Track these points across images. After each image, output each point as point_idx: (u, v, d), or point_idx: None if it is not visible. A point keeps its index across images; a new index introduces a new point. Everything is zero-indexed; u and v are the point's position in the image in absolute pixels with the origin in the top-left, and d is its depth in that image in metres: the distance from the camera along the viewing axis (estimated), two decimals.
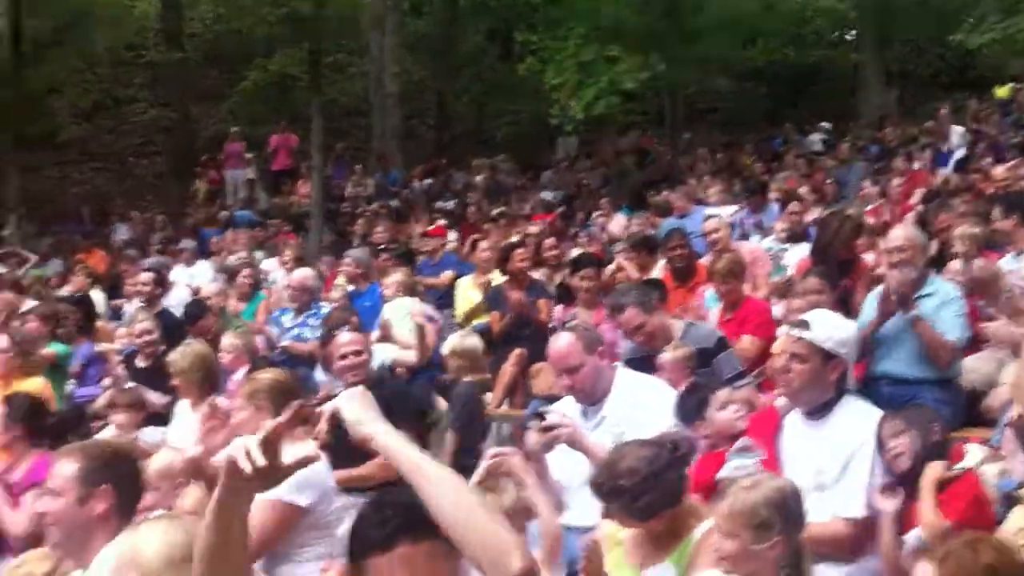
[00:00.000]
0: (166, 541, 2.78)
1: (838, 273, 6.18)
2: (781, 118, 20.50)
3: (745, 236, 10.02)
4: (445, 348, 7.11)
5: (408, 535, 2.21)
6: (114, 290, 11.14)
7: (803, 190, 11.77)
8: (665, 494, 3.35)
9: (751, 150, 17.90)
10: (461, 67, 23.19)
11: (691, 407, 4.53)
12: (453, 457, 6.18)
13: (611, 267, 8.33)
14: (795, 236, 9.13)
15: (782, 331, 6.28)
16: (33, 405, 5.75)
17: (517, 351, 7.63)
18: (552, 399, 5.47)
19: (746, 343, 6.40)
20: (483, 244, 9.85)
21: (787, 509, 3.09)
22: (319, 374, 7.46)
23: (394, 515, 2.25)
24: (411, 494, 2.32)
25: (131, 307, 9.45)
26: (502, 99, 22.41)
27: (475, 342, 6.91)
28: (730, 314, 6.74)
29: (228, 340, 7.23)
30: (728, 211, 10.50)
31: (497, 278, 8.87)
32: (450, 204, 15.80)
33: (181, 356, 6.20)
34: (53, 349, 8.12)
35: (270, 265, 11.44)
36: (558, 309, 8.03)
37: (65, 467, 3.31)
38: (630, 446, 3.50)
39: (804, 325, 4.08)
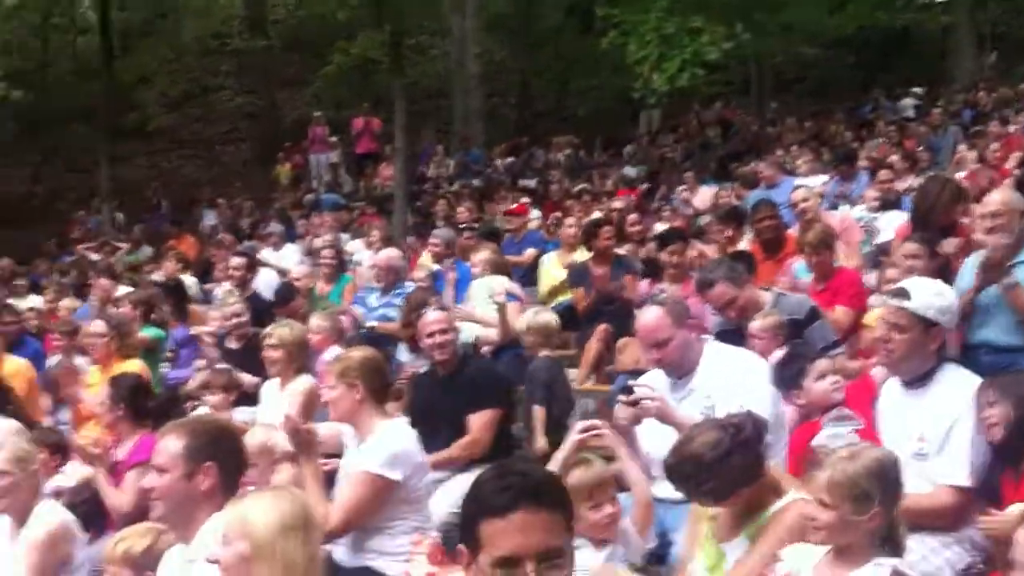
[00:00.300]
0: (276, 510, 2.83)
1: (939, 239, 5.99)
2: (871, 85, 20.00)
3: (835, 206, 9.80)
4: (519, 325, 7.10)
5: (528, 502, 2.22)
6: (204, 275, 11.33)
7: (894, 158, 11.46)
8: (729, 479, 3.31)
9: (840, 119, 17.51)
10: (541, 44, 23.07)
11: (789, 376, 4.43)
12: (545, 430, 6.17)
13: (692, 252, 8.21)
14: (887, 204, 8.90)
15: (875, 300, 6.16)
16: (136, 385, 5.88)
17: (602, 326, 7.58)
18: (638, 373, 5.41)
19: (839, 313, 6.25)
20: (568, 221, 9.80)
21: (886, 479, 3.02)
22: (402, 354, 7.50)
23: (516, 482, 2.26)
24: (532, 463, 2.31)
25: (221, 290, 9.60)
26: (583, 75, 22.24)
27: (548, 317, 6.86)
28: (822, 285, 6.59)
29: (315, 321, 7.30)
30: (817, 181, 10.27)
31: (582, 255, 8.81)
32: (532, 182, 15.75)
33: (290, 329, 6.31)
34: (148, 333, 8.30)
35: (356, 247, 11.52)
36: (644, 284, 7.95)
37: (171, 444, 3.40)
38: (697, 429, 3.47)
39: (904, 294, 3.96)
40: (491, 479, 2.30)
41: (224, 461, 3.41)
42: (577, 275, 8.32)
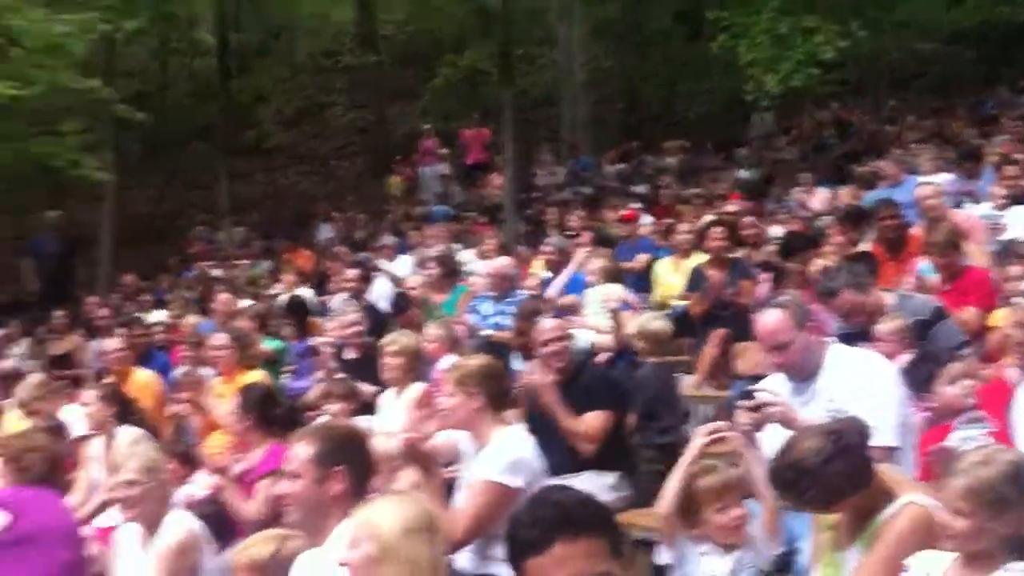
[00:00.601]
0: (401, 513, 2.90)
1: None
2: (994, 80, 19.30)
3: (959, 204, 9.49)
4: (631, 331, 7.05)
5: (563, 534, 2.18)
6: (320, 287, 11.53)
7: (1020, 155, 11.02)
8: (831, 486, 3.23)
9: (962, 115, 16.93)
10: (649, 49, 22.89)
11: (920, 379, 4.30)
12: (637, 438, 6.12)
13: (816, 266, 8.03)
14: (1014, 201, 8.58)
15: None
16: (265, 395, 5.99)
17: (718, 331, 7.49)
18: (756, 379, 5.32)
19: (968, 314, 6.04)
20: (681, 226, 9.71)
21: (1021, 483, 2.88)
22: (516, 362, 7.50)
23: (548, 514, 2.22)
24: (566, 491, 2.31)
25: (337, 302, 9.77)
26: (692, 78, 21.99)
27: (660, 324, 6.79)
28: (949, 285, 6.38)
29: (431, 330, 7.39)
30: (941, 179, 9.96)
31: (695, 260, 8.72)
32: (643, 188, 15.62)
33: (409, 338, 6.41)
34: (268, 345, 8.49)
35: (468, 256, 11.59)
36: (761, 288, 7.81)
37: (303, 450, 3.48)
38: (799, 437, 3.39)
39: None
40: (524, 515, 2.28)
41: (354, 465, 3.48)
42: (694, 280, 8.25)
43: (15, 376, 7.54)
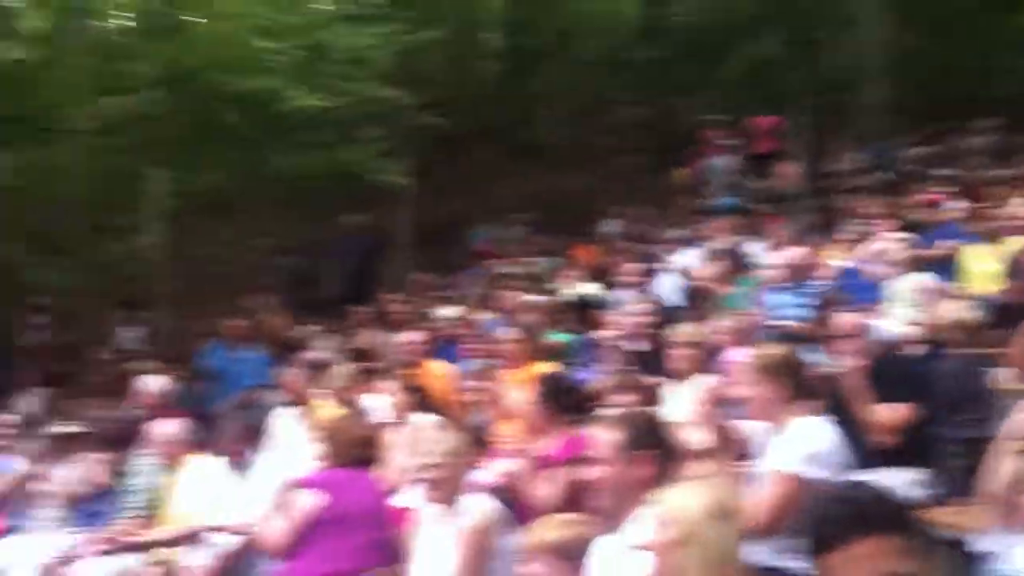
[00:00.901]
0: (703, 500, 2.99)
1: None
2: None
3: None
4: (940, 321, 6.62)
5: (859, 532, 2.16)
6: (606, 281, 11.56)
7: None
8: None
9: None
10: (955, 26, 21.45)
11: None
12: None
13: None
14: None
15: None
16: (563, 385, 6.07)
17: None
18: None
19: None
20: (993, 211, 9.04)
21: None
22: (812, 353, 7.22)
23: (844, 511, 2.20)
24: (863, 487, 2.30)
25: (623, 295, 9.76)
26: (1005, 53, 20.42)
27: (972, 314, 6.35)
28: None
29: (719, 322, 7.29)
30: None
31: (1011, 245, 8.08)
32: (949, 171, 14.66)
33: (697, 330, 6.57)
34: (555, 338, 8.61)
35: (758, 248, 11.29)
36: None
37: (611, 436, 3.61)
38: None
39: None
40: (820, 511, 2.27)
41: (661, 451, 3.59)
42: (1013, 267, 7.67)
43: (324, 366, 8.01)
